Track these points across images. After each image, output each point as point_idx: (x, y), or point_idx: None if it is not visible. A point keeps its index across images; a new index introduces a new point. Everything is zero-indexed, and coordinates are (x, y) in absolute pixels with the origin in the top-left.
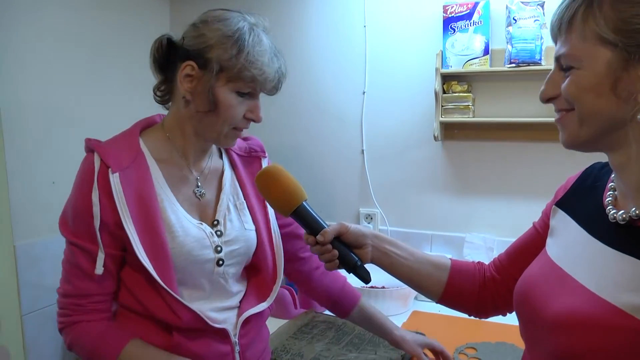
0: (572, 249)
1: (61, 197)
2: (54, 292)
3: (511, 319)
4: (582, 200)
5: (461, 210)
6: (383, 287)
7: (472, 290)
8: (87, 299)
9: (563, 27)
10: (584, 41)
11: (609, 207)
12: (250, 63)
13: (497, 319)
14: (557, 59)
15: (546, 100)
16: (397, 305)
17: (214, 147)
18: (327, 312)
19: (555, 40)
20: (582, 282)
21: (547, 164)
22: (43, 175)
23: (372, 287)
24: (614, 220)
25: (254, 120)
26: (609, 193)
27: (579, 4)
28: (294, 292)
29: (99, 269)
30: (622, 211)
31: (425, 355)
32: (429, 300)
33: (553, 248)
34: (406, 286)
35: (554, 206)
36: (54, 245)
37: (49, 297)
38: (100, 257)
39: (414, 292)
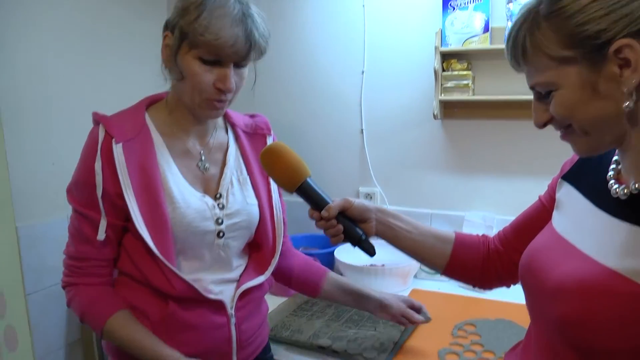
0: (578, 221)
1: (61, 178)
2: (56, 272)
3: (510, 296)
4: (588, 174)
5: (461, 188)
6: (383, 265)
7: (476, 262)
8: (86, 262)
9: (520, 61)
10: (548, 68)
11: (611, 182)
12: (205, 27)
13: (497, 296)
14: (533, 88)
15: (542, 126)
16: (397, 283)
17: (219, 122)
18: None
19: (517, 70)
20: (585, 251)
21: (547, 142)
22: (43, 156)
23: (371, 265)
24: (617, 195)
25: (223, 90)
26: (612, 167)
27: (522, 37)
28: None
29: (101, 235)
30: (623, 185)
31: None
32: (429, 278)
33: (559, 221)
34: (406, 264)
35: (560, 179)
36: (55, 227)
37: (51, 278)
38: (103, 224)
39: (413, 270)
